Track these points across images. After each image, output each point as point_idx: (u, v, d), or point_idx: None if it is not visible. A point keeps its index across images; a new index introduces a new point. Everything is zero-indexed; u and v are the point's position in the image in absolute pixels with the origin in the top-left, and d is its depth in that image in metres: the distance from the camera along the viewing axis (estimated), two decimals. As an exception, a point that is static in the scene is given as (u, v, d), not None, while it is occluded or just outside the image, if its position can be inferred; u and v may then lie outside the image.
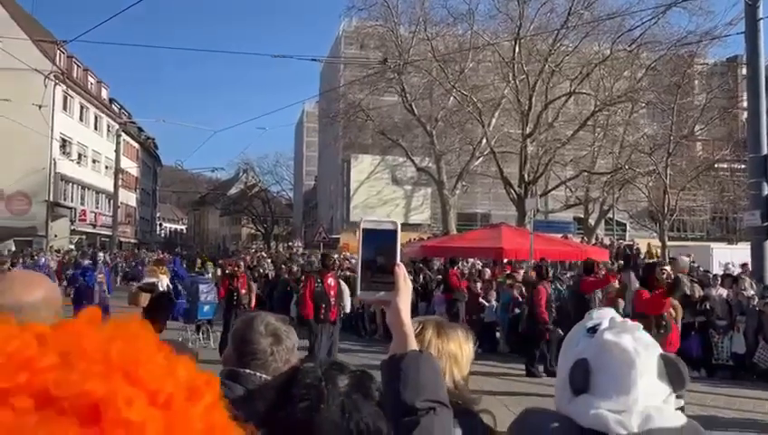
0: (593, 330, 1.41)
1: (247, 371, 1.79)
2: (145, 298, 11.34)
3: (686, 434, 1.27)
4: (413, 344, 1.34)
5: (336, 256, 16.35)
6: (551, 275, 14.48)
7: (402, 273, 1.37)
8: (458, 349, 1.71)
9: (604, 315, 1.44)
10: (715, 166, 27.23)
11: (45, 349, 0.53)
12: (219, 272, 19.45)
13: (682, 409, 1.36)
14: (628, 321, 1.42)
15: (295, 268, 18.78)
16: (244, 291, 12.03)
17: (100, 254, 18.71)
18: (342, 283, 10.70)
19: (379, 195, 39.11)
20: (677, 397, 1.34)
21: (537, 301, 10.94)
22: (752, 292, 11.39)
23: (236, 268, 12.71)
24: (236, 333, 2.00)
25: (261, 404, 1.01)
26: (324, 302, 9.73)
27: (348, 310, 11.55)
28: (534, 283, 11.60)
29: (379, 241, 1.39)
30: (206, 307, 12.63)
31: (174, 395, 0.55)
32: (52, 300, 1.47)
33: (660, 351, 1.35)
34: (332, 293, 9.82)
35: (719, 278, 12.80)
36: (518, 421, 1.42)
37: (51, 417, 0.49)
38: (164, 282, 12.21)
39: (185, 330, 12.88)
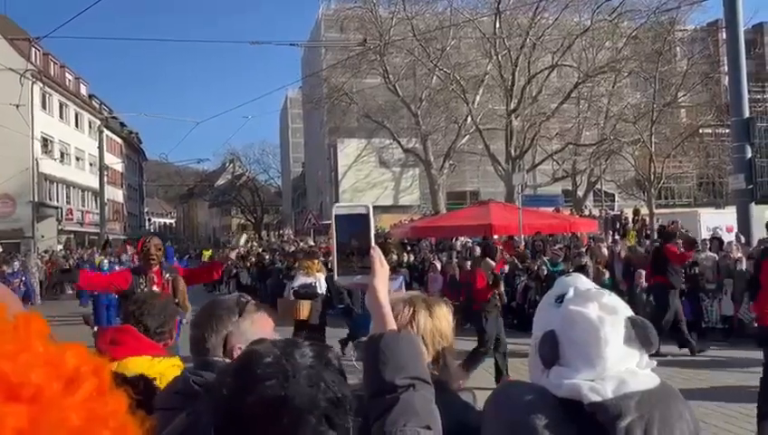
0: (561, 299, 1.38)
1: (216, 358, 1.78)
2: (305, 308, 8.61)
3: (660, 395, 1.26)
4: (392, 324, 1.39)
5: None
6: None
7: (378, 256, 1.41)
8: (447, 325, 1.72)
9: (571, 283, 1.41)
10: (700, 132, 27.34)
11: None
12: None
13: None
14: (594, 288, 1.38)
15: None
16: None
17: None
18: None
19: (368, 178, 39.04)
20: (649, 357, 1.32)
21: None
22: (738, 254, 11.48)
23: None
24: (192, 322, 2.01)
25: (221, 391, 0.99)
26: None
27: None
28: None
29: (352, 226, 1.43)
30: None
31: (44, 387, 0.50)
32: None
33: (628, 314, 1.33)
34: None
35: (708, 242, 12.90)
36: (495, 394, 1.41)
37: None
38: (322, 282, 9.07)
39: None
